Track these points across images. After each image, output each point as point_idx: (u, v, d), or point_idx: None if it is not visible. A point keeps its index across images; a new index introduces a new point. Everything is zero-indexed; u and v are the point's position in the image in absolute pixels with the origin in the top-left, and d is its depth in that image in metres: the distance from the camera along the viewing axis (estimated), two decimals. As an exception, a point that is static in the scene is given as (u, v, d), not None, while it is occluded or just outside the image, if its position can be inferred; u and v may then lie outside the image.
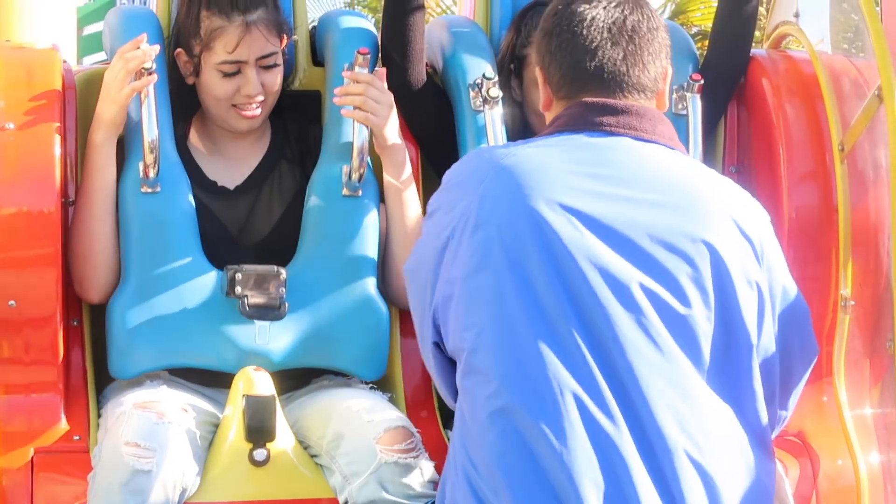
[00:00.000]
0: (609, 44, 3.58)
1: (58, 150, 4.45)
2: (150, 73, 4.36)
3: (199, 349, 4.37)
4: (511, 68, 4.74)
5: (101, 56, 4.89)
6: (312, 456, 4.29)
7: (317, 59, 4.84)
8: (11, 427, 4.28)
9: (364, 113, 4.42)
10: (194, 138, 4.70)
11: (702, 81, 4.77)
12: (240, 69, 4.53)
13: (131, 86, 4.33)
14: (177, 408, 4.24)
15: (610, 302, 3.38)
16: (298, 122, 4.75)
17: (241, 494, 4.21)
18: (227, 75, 4.54)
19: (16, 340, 4.36)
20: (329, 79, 4.75)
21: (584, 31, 3.58)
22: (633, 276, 3.41)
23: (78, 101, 4.67)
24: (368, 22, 4.92)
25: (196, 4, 4.55)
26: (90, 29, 11.74)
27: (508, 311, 3.40)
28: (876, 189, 4.51)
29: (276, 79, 4.61)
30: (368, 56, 4.51)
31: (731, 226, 3.54)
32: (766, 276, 3.57)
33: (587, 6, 3.60)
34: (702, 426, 3.41)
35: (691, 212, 3.50)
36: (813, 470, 4.51)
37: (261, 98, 4.58)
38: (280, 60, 4.62)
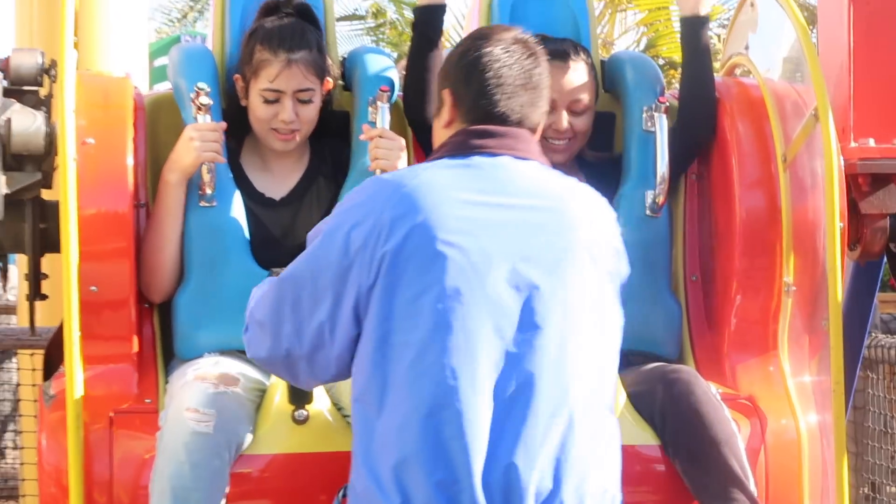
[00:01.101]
0: (503, 84, 3.63)
1: (130, 161, 4.50)
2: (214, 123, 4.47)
3: None
4: None
5: (167, 84, 4.89)
6: (344, 416, 4.30)
7: (347, 85, 4.83)
8: (94, 392, 4.29)
9: (377, 162, 4.47)
10: (246, 155, 4.72)
11: (667, 104, 4.79)
12: (279, 98, 4.55)
13: (200, 158, 4.41)
14: (230, 378, 4.27)
15: (498, 295, 3.45)
16: (333, 142, 4.76)
17: (285, 448, 4.23)
18: (267, 101, 4.56)
19: (97, 320, 4.38)
20: (356, 103, 4.78)
21: (484, 72, 3.64)
22: (510, 261, 3.47)
23: (147, 120, 4.70)
24: (390, 59, 4.93)
25: (254, 39, 4.59)
26: (159, 62, 11.75)
27: (421, 305, 3.44)
28: (813, 194, 4.53)
29: (310, 113, 4.62)
30: (388, 93, 4.58)
31: (589, 222, 3.61)
32: (615, 258, 3.64)
33: (489, 52, 3.66)
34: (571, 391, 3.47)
35: (559, 211, 3.57)
36: (762, 427, 4.52)
37: (295, 126, 4.59)
38: (316, 98, 4.63)
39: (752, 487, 4.28)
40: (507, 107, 3.64)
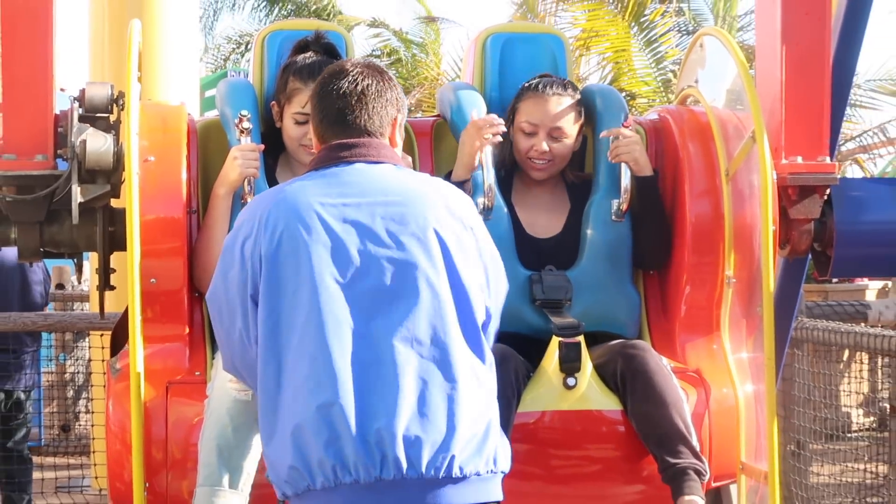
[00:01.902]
0: (345, 103, 3.66)
1: (184, 175, 4.49)
2: (254, 144, 4.48)
3: None
4: (510, 118, 4.72)
5: (215, 112, 4.87)
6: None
7: None
8: (153, 366, 4.29)
9: None
10: (280, 170, 4.70)
11: (631, 126, 4.78)
12: (307, 120, 4.51)
13: (243, 174, 4.42)
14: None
15: (361, 276, 3.48)
16: None
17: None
18: (298, 123, 4.56)
19: (155, 306, 4.38)
20: None
21: (333, 97, 3.68)
22: (367, 247, 3.50)
23: (198, 142, 4.69)
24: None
25: (288, 72, 4.60)
26: (209, 93, 11.75)
27: (297, 294, 3.47)
28: (751, 202, 4.51)
29: None
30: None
31: (444, 209, 3.60)
32: (472, 237, 3.63)
33: (337, 80, 3.70)
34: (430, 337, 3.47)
35: (416, 204, 3.57)
36: (706, 395, 4.51)
37: None
38: None
39: (695, 442, 4.31)
40: (345, 119, 3.67)
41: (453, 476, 3.41)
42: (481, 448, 3.47)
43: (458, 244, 3.57)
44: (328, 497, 3.40)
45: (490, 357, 3.61)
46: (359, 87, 3.67)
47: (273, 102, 4.67)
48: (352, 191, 3.57)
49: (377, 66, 3.78)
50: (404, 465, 3.37)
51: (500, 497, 3.55)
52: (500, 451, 3.54)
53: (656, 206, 4.76)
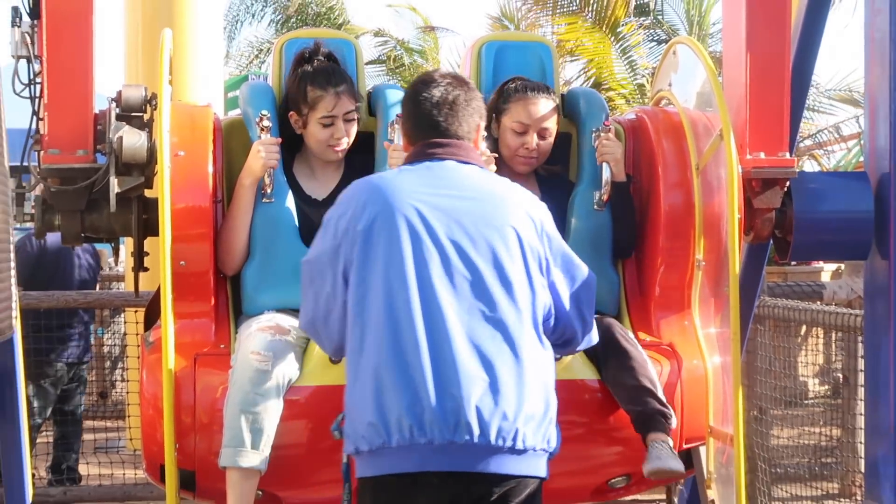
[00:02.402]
0: (437, 111, 3.72)
1: (210, 168, 4.48)
2: (273, 138, 4.48)
3: (296, 297, 4.35)
4: (493, 116, 4.72)
5: (238, 111, 4.87)
6: None
7: (372, 111, 4.80)
8: (182, 339, 4.29)
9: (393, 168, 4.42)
10: (297, 166, 4.69)
11: (611, 126, 4.78)
12: (333, 122, 4.55)
13: (266, 164, 4.42)
14: (283, 329, 4.27)
15: (446, 259, 3.52)
16: (362, 156, 4.71)
17: (324, 381, 4.22)
18: (325, 126, 4.56)
19: (185, 286, 4.36)
20: (378, 126, 4.74)
21: (427, 105, 3.73)
22: (451, 232, 3.55)
23: (223, 138, 4.68)
24: (403, 92, 4.91)
25: (304, 82, 4.57)
26: (232, 94, 11.71)
27: (388, 268, 3.51)
28: (719, 193, 4.51)
29: (354, 128, 4.64)
30: (397, 146, 4.52)
31: (524, 212, 3.66)
32: (545, 244, 3.67)
33: (425, 87, 3.77)
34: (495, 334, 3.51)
35: (500, 203, 3.64)
36: (678, 366, 4.52)
37: (345, 140, 4.60)
38: (356, 117, 4.65)
39: (660, 394, 4.33)
40: (439, 124, 3.72)
41: (516, 448, 3.47)
42: (540, 426, 3.53)
43: (531, 244, 3.62)
44: (402, 455, 3.44)
45: (549, 347, 3.67)
46: (450, 97, 3.74)
47: (292, 112, 4.63)
48: (442, 183, 3.63)
49: (463, 78, 3.87)
50: (476, 431, 3.41)
51: (546, 474, 3.60)
52: (553, 433, 3.60)
53: (628, 207, 4.76)
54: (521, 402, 3.47)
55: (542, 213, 3.72)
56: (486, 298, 3.50)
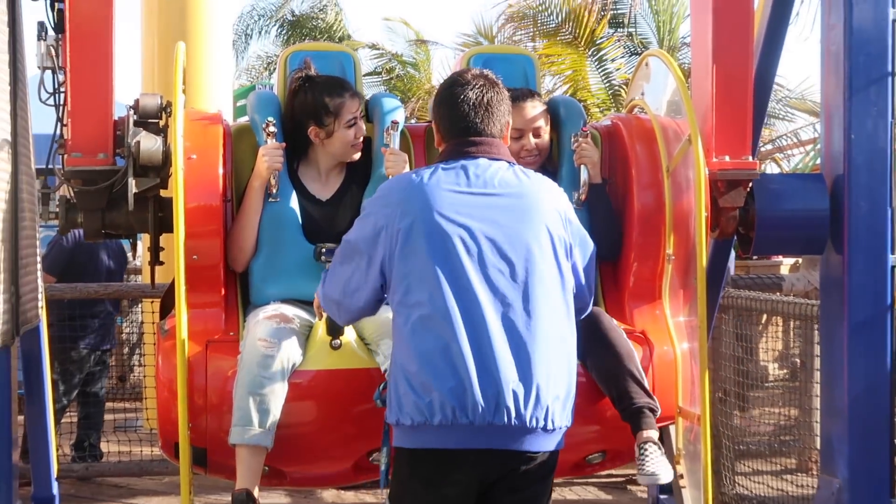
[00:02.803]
0: (473, 112, 3.70)
1: (220, 170, 4.48)
2: (277, 143, 4.47)
3: (299, 288, 4.38)
4: None
5: (246, 118, 4.86)
6: (366, 344, 4.29)
7: (369, 118, 4.79)
8: (195, 327, 4.28)
9: (388, 170, 4.46)
10: (302, 168, 4.66)
11: (588, 131, 4.79)
12: (355, 122, 4.56)
13: (271, 168, 4.42)
14: (287, 317, 4.26)
15: (482, 254, 3.53)
16: (362, 159, 4.68)
17: (325, 366, 4.23)
18: (349, 126, 4.55)
19: (197, 279, 4.36)
20: (375, 131, 4.72)
21: (462, 105, 3.70)
22: (487, 228, 3.55)
23: (232, 142, 4.67)
24: (398, 101, 4.92)
25: (320, 95, 4.54)
26: (240, 103, 11.74)
27: (429, 263, 3.51)
28: (687, 193, 4.51)
29: (363, 124, 4.65)
30: (398, 124, 4.58)
31: (551, 203, 3.68)
32: (569, 231, 3.70)
33: (461, 88, 3.73)
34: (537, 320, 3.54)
35: (530, 195, 3.65)
36: (650, 352, 4.52)
37: (363, 134, 4.63)
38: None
39: (647, 385, 4.32)
40: (469, 123, 3.70)
41: (546, 428, 3.53)
42: (565, 406, 3.60)
43: (559, 234, 3.65)
44: (442, 433, 3.47)
45: (574, 331, 3.71)
46: (485, 99, 3.72)
47: (311, 128, 4.55)
48: (478, 182, 3.62)
49: (493, 79, 3.80)
50: (513, 414, 3.46)
51: (563, 446, 3.68)
52: (572, 410, 3.66)
53: (605, 207, 4.75)
54: (550, 387, 3.53)
55: (564, 201, 3.77)
56: (520, 291, 3.53)
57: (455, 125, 3.71)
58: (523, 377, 3.47)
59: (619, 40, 17.86)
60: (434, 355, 3.46)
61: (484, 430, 3.45)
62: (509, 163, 3.70)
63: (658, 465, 4.16)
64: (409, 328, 3.51)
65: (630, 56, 17.90)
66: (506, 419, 3.45)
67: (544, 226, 3.61)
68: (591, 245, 3.86)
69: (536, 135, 4.76)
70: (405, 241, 3.53)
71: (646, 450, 4.18)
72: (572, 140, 4.74)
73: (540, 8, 17.51)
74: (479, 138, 3.68)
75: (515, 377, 3.46)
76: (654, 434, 4.22)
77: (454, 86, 3.75)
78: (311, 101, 4.57)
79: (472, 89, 3.71)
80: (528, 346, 3.49)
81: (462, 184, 3.60)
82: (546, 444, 3.57)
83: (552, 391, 3.53)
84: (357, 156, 4.63)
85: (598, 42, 17.59)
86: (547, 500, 3.70)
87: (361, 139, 4.60)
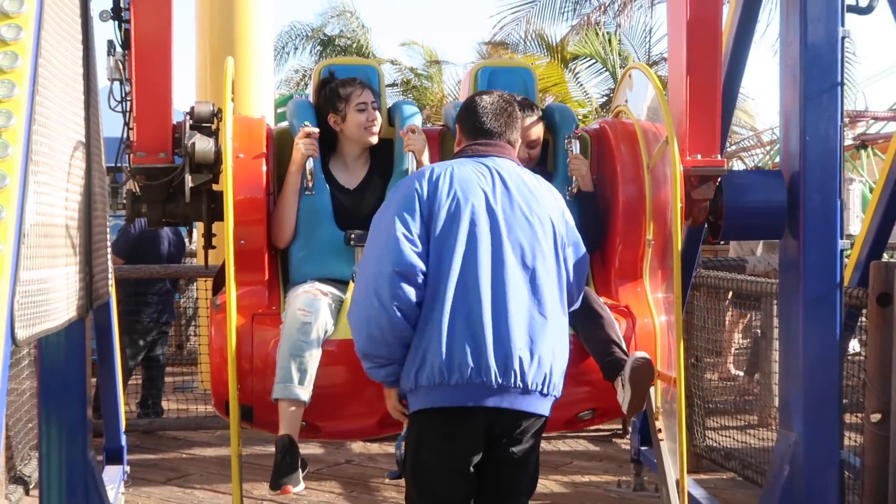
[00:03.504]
0: (493, 118, 3.74)
1: (264, 168, 4.47)
2: (312, 130, 4.47)
3: (331, 269, 4.38)
4: None
5: (286, 123, 4.85)
6: None
7: (391, 122, 4.78)
8: (243, 302, 4.29)
9: (409, 146, 4.49)
10: (333, 162, 4.66)
11: (579, 133, 4.78)
12: (366, 107, 4.56)
13: (305, 153, 4.44)
14: (321, 292, 4.27)
15: (498, 238, 3.53)
16: (383, 157, 4.69)
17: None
18: (360, 111, 4.56)
19: (244, 261, 4.36)
20: (396, 134, 4.71)
21: (480, 111, 3.75)
22: (504, 212, 3.56)
23: (274, 144, 4.66)
24: (416, 108, 4.91)
25: (333, 89, 4.61)
26: (280, 110, 11.72)
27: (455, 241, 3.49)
28: (665, 187, 4.50)
29: (379, 116, 4.64)
30: (415, 127, 4.59)
31: (554, 202, 3.71)
32: (565, 228, 3.70)
33: (482, 98, 3.78)
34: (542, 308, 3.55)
35: (540, 194, 3.67)
36: (633, 323, 4.52)
37: (378, 122, 4.62)
38: (378, 107, 4.65)
39: (624, 346, 4.32)
40: (491, 127, 3.72)
41: (543, 392, 3.56)
42: (561, 377, 3.64)
43: (559, 230, 3.67)
44: (456, 390, 3.47)
45: (567, 315, 3.72)
46: (500, 107, 3.77)
47: (329, 115, 4.61)
48: (498, 176, 3.63)
49: (510, 96, 3.87)
50: (519, 377, 3.48)
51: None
52: (561, 383, 3.67)
53: (594, 211, 4.73)
54: (550, 358, 3.54)
55: (563, 203, 3.78)
56: (531, 272, 3.54)
57: (473, 129, 3.75)
58: (529, 347, 3.49)
59: (589, 67, 18.38)
60: (458, 321, 3.45)
61: (494, 390, 3.47)
62: (518, 164, 3.73)
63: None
64: (437, 301, 3.48)
65: (599, 75, 18.44)
66: (512, 381, 3.47)
67: (548, 217, 3.62)
68: (583, 250, 3.83)
69: (530, 146, 4.74)
70: (439, 221, 3.51)
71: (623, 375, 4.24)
72: (565, 141, 4.74)
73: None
74: (493, 140, 3.71)
75: (524, 343, 3.48)
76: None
77: (477, 96, 3.82)
78: (329, 93, 4.63)
79: (488, 100, 3.76)
80: (535, 322, 3.51)
81: (486, 174, 3.61)
82: (542, 407, 3.59)
83: (552, 362, 3.55)
84: (374, 139, 4.62)
85: (572, 62, 18.13)
86: (536, 458, 3.72)
87: (376, 123, 4.60)
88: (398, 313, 3.48)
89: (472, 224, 3.51)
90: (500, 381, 3.45)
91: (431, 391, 3.49)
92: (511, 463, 3.61)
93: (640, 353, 4.14)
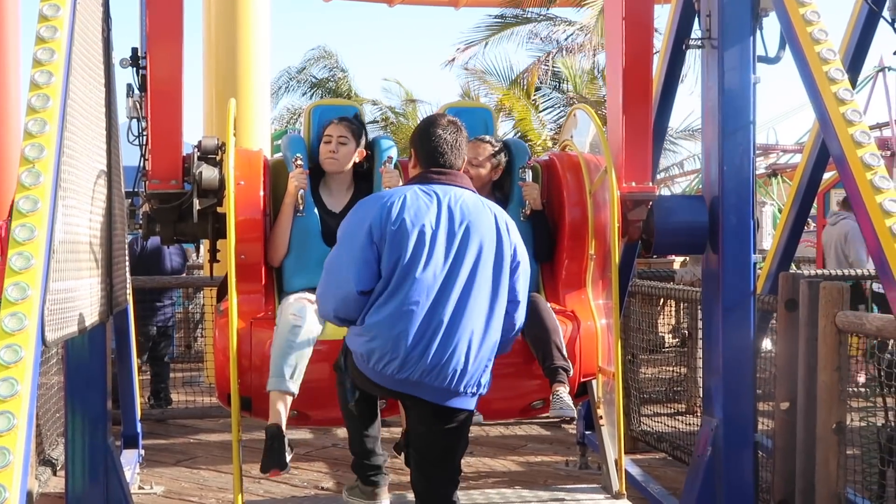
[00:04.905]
0: (442, 149, 3.53)
1: (261, 193, 4.46)
2: (303, 169, 4.46)
3: (318, 280, 4.35)
4: None
5: (280, 154, 4.85)
6: None
7: (372, 155, 4.78)
8: (243, 308, 4.28)
9: (387, 185, 4.45)
10: (321, 189, 4.64)
11: (531, 164, 4.79)
12: (329, 140, 4.55)
13: (298, 187, 4.43)
14: (311, 300, 4.23)
15: (444, 258, 3.35)
16: (364, 184, 4.66)
17: (338, 336, 4.15)
18: (326, 143, 4.57)
19: (245, 273, 4.35)
20: (375, 164, 4.70)
21: (434, 142, 3.53)
22: (450, 238, 3.38)
23: (270, 173, 4.64)
24: (393, 142, 4.88)
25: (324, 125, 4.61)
26: (276, 143, 11.71)
27: (406, 257, 3.32)
28: (605, 209, 4.52)
29: (342, 150, 4.56)
30: (393, 159, 4.58)
31: (503, 225, 3.49)
32: (511, 248, 3.47)
33: (437, 129, 3.54)
34: (479, 313, 3.38)
35: (485, 218, 3.45)
36: (578, 326, 4.51)
37: (334, 155, 4.55)
38: (347, 142, 4.56)
39: (564, 352, 4.30)
40: (444, 161, 3.54)
41: (468, 392, 3.40)
42: (489, 377, 3.46)
43: (505, 251, 3.45)
44: (396, 378, 3.35)
45: (500, 328, 3.48)
46: (451, 138, 3.54)
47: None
48: (446, 201, 3.42)
49: (458, 123, 3.62)
50: (451, 378, 3.34)
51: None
52: (488, 384, 3.49)
53: (544, 227, 4.71)
54: (482, 364, 3.41)
55: (511, 224, 3.55)
56: (478, 288, 3.36)
57: (427, 157, 3.55)
58: (464, 348, 3.34)
59: (548, 98, 18.31)
60: (405, 323, 3.31)
61: (424, 385, 3.34)
62: (471, 191, 3.55)
63: (565, 404, 4.21)
64: (387, 301, 3.35)
65: (557, 109, 18.28)
66: (446, 383, 3.34)
67: (496, 239, 3.44)
68: (527, 268, 3.56)
69: (484, 168, 4.71)
70: (391, 242, 3.34)
71: (558, 394, 4.23)
72: (520, 171, 4.75)
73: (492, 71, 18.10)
74: (446, 170, 3.53)
75: (463, 348, 3.34)
76: (564, 386, 4.24)
77: (433, 125, 3.58)
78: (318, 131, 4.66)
79: (445, 131, 3.55)
80: (476, 332, 3.36)
81: (435, 200, 3.43)
82: (470, 403, 3.44)
83: (483, 367, 3.42)
84: (331, 168, 4.57)
85: (535, 94, 18.03)
86: (464, 445, 3.56)
87: (334, 155, 4.54)
88: (341, 323, 3.49)
89: (419, 244, 3.34)
90: (443, 384, 3.33)
91: (375, 371, 3.39)
92: (442, 434, 3.48)
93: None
